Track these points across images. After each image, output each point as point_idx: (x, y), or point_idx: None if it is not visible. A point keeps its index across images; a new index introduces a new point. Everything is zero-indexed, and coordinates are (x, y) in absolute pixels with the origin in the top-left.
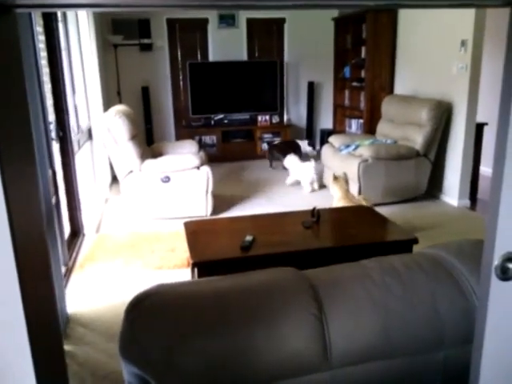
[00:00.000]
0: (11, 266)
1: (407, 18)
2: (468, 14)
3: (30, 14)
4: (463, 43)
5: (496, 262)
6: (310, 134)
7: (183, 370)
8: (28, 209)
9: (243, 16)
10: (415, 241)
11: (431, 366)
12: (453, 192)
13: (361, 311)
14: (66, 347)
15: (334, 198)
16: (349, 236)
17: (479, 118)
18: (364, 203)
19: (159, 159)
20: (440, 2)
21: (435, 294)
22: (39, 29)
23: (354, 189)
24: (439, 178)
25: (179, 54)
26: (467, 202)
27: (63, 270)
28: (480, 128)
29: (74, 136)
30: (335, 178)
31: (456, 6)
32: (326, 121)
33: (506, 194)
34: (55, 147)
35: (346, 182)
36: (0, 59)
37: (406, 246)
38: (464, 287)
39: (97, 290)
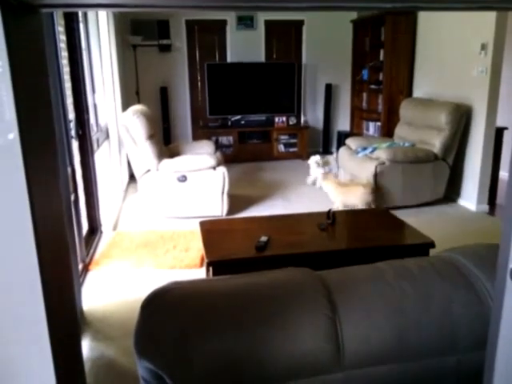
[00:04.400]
0: (33, 261)
1: (426, 20)
2: (489, 17)
3: (52, 15)
4: (483, 46)
5: (511, 265)
6: (326, 136)
7: (197, 367)
8: (50, 206)
9: (261, 18)
10: (432, 245)
11: (444, 371)
12: (471, 196)
13: (374, 313)
14: (81, 342)
15: (330, 194)
16: (364, 238)
17: (499, 123)
18: (362, 188)
19: (176, 159)
20: (458, 5)
21: (450, 297)
22: (60, 29)
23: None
24: (457, 183)
25: (197, 54)
26: (486, 207)
27: (80, 266)
28: (500, 132)
29: (94, 134)
30: (324, 176)
31: (474, 9)
32: (343, 123)
33: None
34: (74, 145)
35: (335, 176)
36: (27, 57)
37: (422, 249)
38: (480, 291)
39: (112, 287)
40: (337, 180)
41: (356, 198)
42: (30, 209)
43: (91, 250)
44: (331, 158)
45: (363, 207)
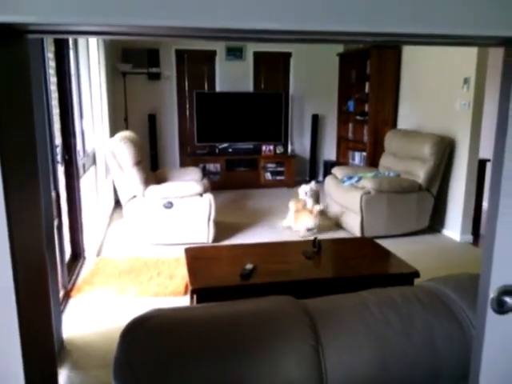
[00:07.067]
0: (9, 288)
1: (411, 54)
2: (471, 53)
3: (42, 41)
4: (466, 81)
5: (492, 295)
6: (313, 165)
7: None
8: (29, 231)
9: (250, 49)
10: (416, 274)
11: None
12: (455, 227)
13: (358, 342)
14: (60, 371)
15: (290, 211)
16: (350, 267)
17: (482, 155)
18: (310, 213)
19: (163, 185)
20: (437, 40)
21: (433, 327)
22: (50, 55)
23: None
24: (442, 213)
25: (187, 83)
26: (470, 238)
27: (62, 292)
28: (483, 164)
29: (80, 160)
30: (296, 198)
31: (453, 44)
32: (329, 152)
33: (501, 227)
34: (60, 170)
35: (304, 204)
36: (9, 83)
37: (407, 279)
38: (462, 321)
39: (93, 315)
40: (299, 205)
41: (301, 225)
42: (8, 235)
43: (73, 276)
44: (313, 186)
45: (306, 233)
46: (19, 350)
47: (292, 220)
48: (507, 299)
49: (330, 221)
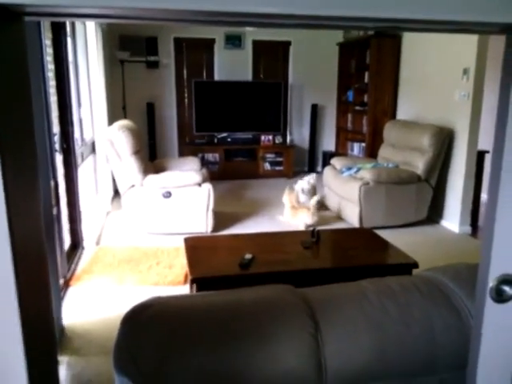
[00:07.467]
0: (9, 276)
1: (411, 44)
2: (470, 43)
3: (39, 27)
4: (465, 71)
5: (491, 283)
6: (312, 156)
7: None
8: (29, 220)
9: (249, 37)
10: (415, 265)
11: None
12: (454, 218)
13: (357, 331)
14: (61, 358)
15: (286, 206)
16: (348, 257)
17: (481, 146)
18: (308, 210)
19: (161, 174)
20: (437, 26)
21: (431, 316)
22: (47, 42)
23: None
24: (440, 204)
25: (185, 72)
26: (468, 229)
27: (61, 281)
28: (482, 155)
29: (78, 148)
30: (289, 192)
31: (454, 31)
32: (328, 143)
33: (501, 216)
34: (58, 159)
35: (297, 196)
36: (6, 67)
37: (405, 269)
38: (460, 310)
39: (93, 303)
40: (294, 200)
41: (299, 221)
42: (8, 225)
43: (73, 265)
44: (311, 180)
45: (303, 229)
46: (20, 338)
47: (289, 216)
48: (506, 288)
49: (329, 212)
